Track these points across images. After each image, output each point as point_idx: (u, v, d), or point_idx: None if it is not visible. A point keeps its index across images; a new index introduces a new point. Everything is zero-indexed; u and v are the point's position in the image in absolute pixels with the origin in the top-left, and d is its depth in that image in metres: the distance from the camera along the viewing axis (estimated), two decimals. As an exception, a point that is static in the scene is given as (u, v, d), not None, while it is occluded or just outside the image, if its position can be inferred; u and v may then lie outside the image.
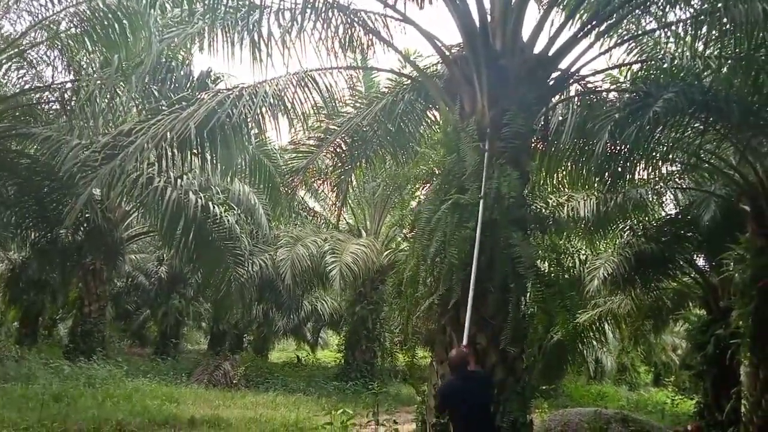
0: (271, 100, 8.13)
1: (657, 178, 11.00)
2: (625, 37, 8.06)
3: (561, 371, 18.76)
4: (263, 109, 8.23)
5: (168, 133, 8.15)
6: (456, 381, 5.74)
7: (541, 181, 9.29)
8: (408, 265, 6.57)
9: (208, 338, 28.67)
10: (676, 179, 11.79)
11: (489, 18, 7.04)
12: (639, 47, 8.44)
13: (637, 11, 7.53)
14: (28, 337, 23.22)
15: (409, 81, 8.63)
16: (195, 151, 8.52)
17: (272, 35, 8.08)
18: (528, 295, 6.54)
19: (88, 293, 17.23)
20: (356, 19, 7.92)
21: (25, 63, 11.34)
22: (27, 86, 11.50)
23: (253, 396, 14.24)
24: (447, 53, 7.33)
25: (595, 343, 19.15)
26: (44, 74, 11.28)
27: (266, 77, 8.35)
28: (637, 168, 9.58)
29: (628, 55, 8.30)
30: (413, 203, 6.63)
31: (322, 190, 15.81)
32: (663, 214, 12.96)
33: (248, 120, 8.30)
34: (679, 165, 11.05)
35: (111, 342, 21.42)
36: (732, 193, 10.39)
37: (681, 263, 12.60)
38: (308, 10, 7.73)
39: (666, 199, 12.83)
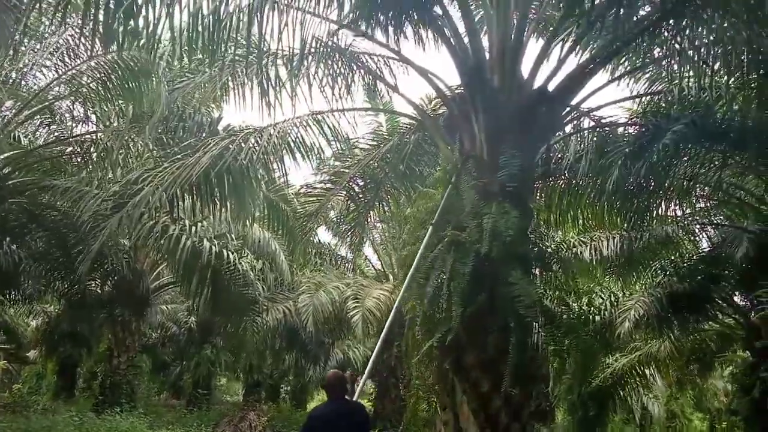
0: (276, 142, 8.15)
1: (685, 215, 10.61)
2: (631, 68, 7.85)
3: (603, 420, 18.01)
4: (268, 152, 8.25)
5: (174, 180, 8.22)
6: (330, 406, 5.45)
7: (555, 219, 9.01)
8: (407, 307, 6.35)
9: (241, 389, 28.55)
10: (705, 215, 11.38)
11: (487, 55, 6.95)
12: (648, 78, 8.22)
13: (644, 41, 7.34)
14: (65, 389, 23.47)
15: (415, 122, 8.56)
16: (204, 196, 8.57)
17: (279, 78, 8.17)
18: (536, 335, 6.27)
19: (117, 345, 17.30)
20: (356, 62, 7.92)
21: (47, 116, 11.70)
22: (51, 139, 11.82)
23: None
24: (446, 92, 7.24)
25: (641, 389, 18.40)
26: (66, 127, 11.59)
27: (274, 122, 8.42)
28: (661, 204, 9.24)
29: (635, 84, 8.08)
30: (410, 244, 6.42)
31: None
32: (696, 251, 12.46)
33: (255, 163, 8.32)
34: (706, 200, 10.66)
35: (139, 394, 21.41)
36: (765, 227, 9.94)
37: (719, 302, 12.05)
38: (310, 56, 7.78)
39: (700, 236, 12.38)
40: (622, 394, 17.49)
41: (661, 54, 7.37)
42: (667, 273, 11.46)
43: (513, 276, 5.82)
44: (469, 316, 5.95)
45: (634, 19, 6.64)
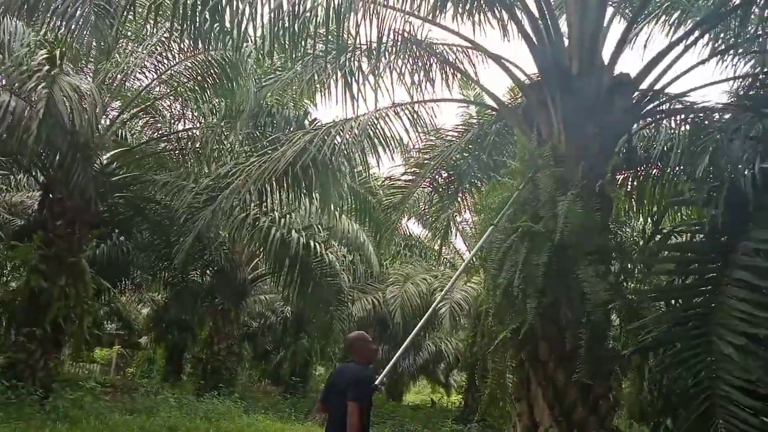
0: (357, 134, 8.28)
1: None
2: (721, 49, 7.41)
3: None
4: (350, 144, 8.41)
5: (262, 174, 8.53)
6: (340, 366, 5.52)
7: (646, 210, 8.64)
8: (481, 298, 6.30)
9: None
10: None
11: (565, 40, 6.77)
12: (743, 58, 7.73)
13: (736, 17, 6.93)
14: (173, 374, 24.82)
15: (495, 112, 8.47)
16: (290, 189, 8.84)
17: (361, 70, 8.31)
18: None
19: (217, 332, 18.11)
20: (433, 53, 7.93)
21: (150, 115, 12.44)
22: (151, 137, 12.55)
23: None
24: (524, 80, 7.11)
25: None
26: (165, 124, 12.28)
27: (356, 115, 8.57)
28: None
29: (729, 65, 7.62)
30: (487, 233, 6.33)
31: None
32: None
33: (337, 155, 8.49)
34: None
35: (240, 380, 22.28)
36: None
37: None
38: (387, 50, 7.86)
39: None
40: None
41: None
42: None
43: (583, 272, 5.65)
44: (545, 308, 5.85)
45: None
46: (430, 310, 6.90)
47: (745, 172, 5.13)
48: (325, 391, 5.62)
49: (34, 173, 12.51)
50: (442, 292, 6.93)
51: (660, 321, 5.49)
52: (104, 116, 11.92)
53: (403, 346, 6.39)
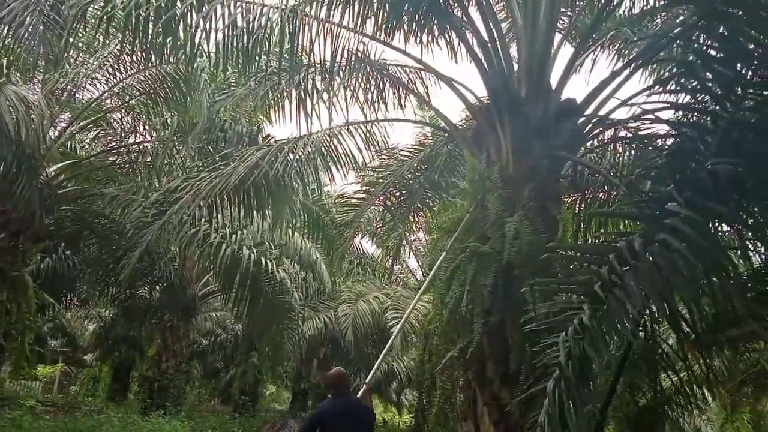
0: (310, 152, 8.30)
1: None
2: (664, 77, 7.68)
3: (654, 442, 17.38)
4: (303, 162, 8.42)
5: (212, 189, 8.46)
6: (336, 402, 5.52)
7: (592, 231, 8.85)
8: (430, 317, 6.35)
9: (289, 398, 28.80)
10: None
11: (515, 65, 6.93)
12: (685, 87, 7.99)
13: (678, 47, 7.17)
14: (119, 392, 24.17)
15: (446, 133, 8.59)
16: (242, 205, 8.78)
17: (316, 88, 8.34)
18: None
19: (166, 349, 17.76)
20: (386, 73, 8.02)
21: (101, 127, 12.21)
22: (101, 149, 12.31)
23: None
24: (474, 102, 7.25)
25: (696, 411, 17.72)
26: (116, 137, 12.07)
27: (309, 132, 8.58)
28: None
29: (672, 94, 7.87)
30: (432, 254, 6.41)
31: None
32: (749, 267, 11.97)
33: (290, 172, 8.48)
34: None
35: (189, 399, 21.84)
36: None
37: (769, 321, 11.54)
38: (342, 69, 7.91)
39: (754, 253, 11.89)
40: (672, 414, 16.89)
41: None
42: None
43: (528, 293, 5.74)
44: (491, 328, 5.92)
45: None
46: (402, 321, 6.90)
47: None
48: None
49: (-25, 184, 12.13)
50: (408, 309, 6.94)
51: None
52: (52, 128, 11.66)
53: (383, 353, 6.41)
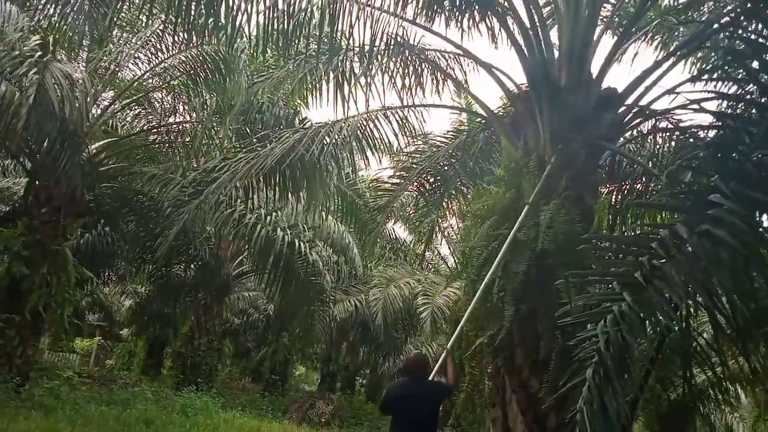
0: (346, 135, 8.33)
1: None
2: (710, 66, 7.50)
3: (683, 436, 17.16)
4: (339, 145, 8.45)
5: (249, 170, 8.54)
6: (409, 384, 5.73)
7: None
8: (460, 303, 6.35)
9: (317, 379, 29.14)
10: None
11: (556, 52, 6.84)
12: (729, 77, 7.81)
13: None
14: (153, 367, 24.70)
15: (483, 120, 8.53)
16: (277, 187, 8.85)
17: (354, 72, 8.35)
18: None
19: (199, 327, 18.07)
20: (423, 57, 7.99)
21: (142, 106, 12.41)
22: (141, 128, 12.51)
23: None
24: (513, 89, 7.18)
25: (727, 408, 17.44)
26: (157, 117, 12.26)
27: (346, 116, 8.61)
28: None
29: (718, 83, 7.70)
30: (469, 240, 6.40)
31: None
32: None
33: (325, 155, 8.52)
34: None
35: (220, 376, 22.21)
36: None
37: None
38: (380, 53, 7.90)
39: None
40: (703, 410, 16.64)
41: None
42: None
43: (561, 282, 5.70)
44: (522, 316, 5.91)
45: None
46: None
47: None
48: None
49: (21, 159, 12.45)
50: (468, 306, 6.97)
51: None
52: (95, 105, 11.90)
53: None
